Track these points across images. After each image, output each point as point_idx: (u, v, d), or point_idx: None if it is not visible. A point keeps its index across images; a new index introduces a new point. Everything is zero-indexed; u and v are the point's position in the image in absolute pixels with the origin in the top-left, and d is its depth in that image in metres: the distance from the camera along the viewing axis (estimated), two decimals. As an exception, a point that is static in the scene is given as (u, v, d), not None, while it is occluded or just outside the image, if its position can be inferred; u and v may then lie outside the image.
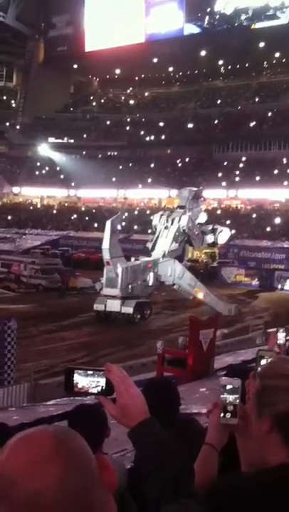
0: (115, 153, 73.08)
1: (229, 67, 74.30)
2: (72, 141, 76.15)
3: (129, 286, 25.41)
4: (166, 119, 72.82)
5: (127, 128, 75.14)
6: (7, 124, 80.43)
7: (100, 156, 73.06)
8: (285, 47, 63.66)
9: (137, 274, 25.95)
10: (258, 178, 59.31)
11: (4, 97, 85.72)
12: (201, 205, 30.11)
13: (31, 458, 0.98)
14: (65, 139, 76.36)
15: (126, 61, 71.17)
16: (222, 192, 59.21)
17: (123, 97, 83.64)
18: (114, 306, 25.44)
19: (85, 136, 76.54)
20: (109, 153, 73.55)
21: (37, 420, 9.30)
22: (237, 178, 60.99)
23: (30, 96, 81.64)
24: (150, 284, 26.53)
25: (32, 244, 51.57)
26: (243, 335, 22.34)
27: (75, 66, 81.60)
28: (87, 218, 62.76)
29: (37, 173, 74.55)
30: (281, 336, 4.46)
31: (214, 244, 30.64)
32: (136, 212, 59.41)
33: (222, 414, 1.60)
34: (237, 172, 62.23)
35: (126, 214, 29.17)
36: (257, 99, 69.92)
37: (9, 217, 65.44)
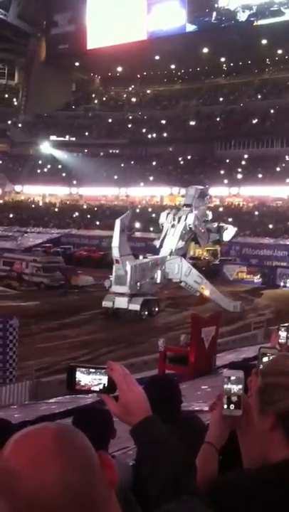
0: (117, 151, 73.04)
1: (231, 65, 74.22)
2: (73, 139, 76.14)
3: (138, 283, 25.87)
4: (168, 116, 72.77)
5: (129, 126, 75.11)
6: (9, 122, 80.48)
7: (101, 154, 73.06)
8: (288, 43, 63.58)
9: (146, 271, 26.41)
10: (260, 176, 59.28)
11: (6, 95, 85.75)
12: (206, 203, 30.59)
13: (34, 454, 0.98)
14: (67, 137, 76.35)
15: (128, 59, 71.13)
16: (224, 189, 59.21)
17: (125, 95, 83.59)
18: (121, 303, 25.93)
19: (86, 134, 76.55)
20: (111, 151, 73.52)
21: (39, 418, 9.32)
22: (239, 176, 60.94)
23: (32, 94, 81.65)
24: (158, 281, 26.98)
25: (34, 243, 51.61)
26: (245, 332, 22.34)
27: (77, 64, 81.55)
28: (88, 216, 62.77)
29: (39, 171, 74.56)
30: (283, 335, 4.43)
31: (219, 241, 31.05)
32: (138, 210, 59.36)
33: (225, 406, 1.60)
34: (239, 169, 62.17)
35: (128, 212, 29.35)
36: (259, 97, 69.83)
37: (11, 216, 65.49)
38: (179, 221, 27.99)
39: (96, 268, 41.09)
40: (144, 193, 67.00)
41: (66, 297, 31.52)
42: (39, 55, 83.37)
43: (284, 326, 3.05)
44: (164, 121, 72.11)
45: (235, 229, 31.25)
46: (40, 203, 72.10)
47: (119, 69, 79.57)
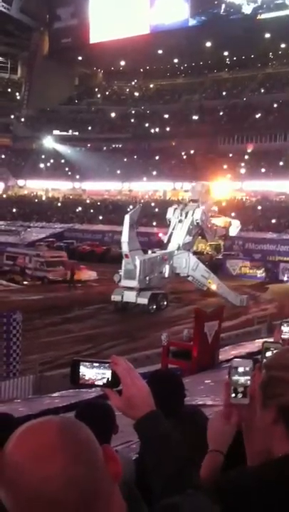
0: (120, 146, 72.92)
1: (234, 59, 73.90)
2: (76, 133, 76.06)
3: (147, 278, 26.28)
4: (171, 111, 72.59)
5: (132, 120, 74.98)
6: (12, 116, 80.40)
7: (104, 148, 72.96)
8: (291, 37, 63.35)
9: (154, 266, 26.81)
10: (263, 170, 59.11)
11: (9, 90, 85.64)
12: (213, 198, 31.06)
13: (38, 447, 0.98)
14: (70, 131, 76.26)
15: (130, 53, 70.91)
16: (227, 184, 59.04)
17: (128, 89, 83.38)
18: (130, 297, 26.31)
19: (89, 128, 76.45)
20: (113, 146, 73.41)
21: (42, 412, 9.34)
22: (242, 170, 60.78)
23: (34, 88, 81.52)
24: (166, 275, 27.34)
25: (37, 237, 51.59)
26: (248, 327, 22.35)
27: (80, 58, 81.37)
28: (92, 211, 62.75)
29: (42, 165, 74.52)
30: (286, 330, 4.42)
31: (225, 236, 31.58)
32: (141, 205, 59.29)
33: (233, 395, 1.60)
34: (242, 164, 62.01)
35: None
36: (262, 91, 69.56)
37: (14, 210, 65.51)
38: (186, 216, 28.32)
39: (99, 263, 41.14)
40: (147, 187, 66.94)
41: (74, 291, 31.60)
42: (42, 49, 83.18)
43: (287, 322, 3.04)
44: (166, 116, 71.95)
45: (238, 221, 31.57)
46: (43, 198, 72.08)
47: (122, 63, 79.35)
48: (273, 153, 59.78)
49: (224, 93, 72.18)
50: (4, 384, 14.47)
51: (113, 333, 21.99)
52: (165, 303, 27.40)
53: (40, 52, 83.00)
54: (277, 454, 1.43)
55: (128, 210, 57.82)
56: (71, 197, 70.42)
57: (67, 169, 72.88)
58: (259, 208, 54.77)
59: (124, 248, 26.35)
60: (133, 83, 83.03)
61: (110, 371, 1.53)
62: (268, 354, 1.99)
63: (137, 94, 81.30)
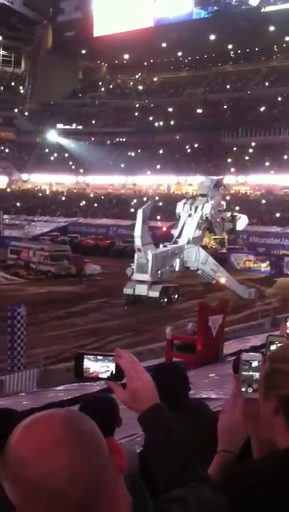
0: (124, 139, 72.85)
1: (239, 52, 73.67)
2: (80, 127, 76.00)
3: (159, 271, 26.73)
4: (175, 104, 72.43)
5: (136, 114, 74.84)
6: (15, 110, 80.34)
7: (108, 142, 72.90)
8: (296, 30, 63.00)
9: (166, 260, 27.30)
10: (267, 164, 58.97)
11: (12, 83, 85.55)
12: (221, 193, 31.60)
13: (42, 440, 0.98)
14: (74, 125, 76.21)
15: (134, 46, 70.72)
16: (231, 178, 58.95)
17: (131, 83, 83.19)
18: (142, 290, 26.76)
19: (93, 122, 76.37)
20: (117, 140, 73.35)
21: (47, 405, 9.36)
22: (246, 164, 60.64)
23: (38, 82, 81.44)
24: (176, 269, 27.77)
25: (41, 231, 51.68)
26: (252, 321, 22.35)
27: (84, 51, 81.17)
28: (95, 205, 62.75)
29: (45, 159, 74.50)
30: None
31: (233, 230, 31.88)
32: (145, 199, 59.26)
33: (244, 389, 1.60)
34: (246, 157, 61.86)
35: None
36: (267, 84, 69.32)
37: (18, 204, 65.57)
38: (195, 211, 28.77)
39: (103, 256, 41.16)
40: (151, 181, 66.90)
41: (78, 284, 31.69)
42: (45, 43, 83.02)
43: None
44: (171, 109, 71.79)
45: (246, 216, 31.97)
46: (47, 192, 72.13)
47: (126, 56, 79.13)
48: (277, 147, 59.62)
49: (228, 86, 71.95)
50: (9, 377, 14.53)
51: (117, 326, 22.02)
52: (176, 296, 27.81)
53: (44, 45, 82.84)
54: (280, 447, 1.44)
55: (132, 204, 58.31)
56: (75, 191, 70.44)
57: (71, 163, 72.86)
58: (263, 201, 54.66)
59: (137, 242, 26.79)
60: (137, 76, 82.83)
61: (114, 364, 1.53)
62: (273, 347, 1.99)
63: (140, 87, 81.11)
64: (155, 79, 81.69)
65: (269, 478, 1.35)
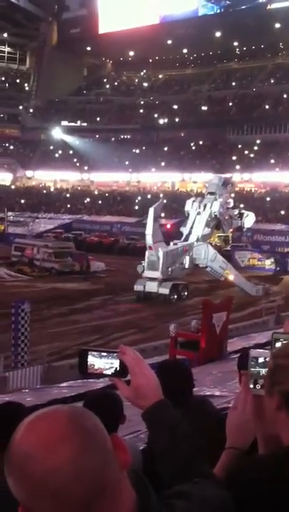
0: (128, 137, 72.82)
1: (244, 49, 73.50)
2: (85, 124, 75.99)
3: (169, 268, 27.12)
4: (179, 101, 72.33)
5: (141, 111, 74.77)
6: (20, 107, 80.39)
7: (113, 139, 72.87)
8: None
9: (176, 257, 27.65)
10: (272, 161, 58.85)
11: (17, 80, 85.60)
12: (229, 191, 32.03)
13: (46, 436, 0.98)
14: (78, 122, 76.21)
15: (139, 43, 70.62)
16: (236, 175, 58.84)
17: (136, 80, 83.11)
18: (152, 287, 27.09)
19: (98, 119, 76.31)
20: (122, 137, 73.31)
21: (50, 402, 9.37)
22: (251, 161, 60.52)
23: (43, 79, 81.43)
24: (186, 266, 28.10)
25: (45, 228, 51.72)
26: (256, 318, 22.33)
27: (89, 48, 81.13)
28: (100, 202, 62.75)
29: (50, 156, 74.52)
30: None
31: (241, 228, 32.16)
32: (149, 196, 59.27)
33: (251, 386, 1.60)
34: (251, 155, 61.73)
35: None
36: (272, 81, 69.15)
37: (22, 201, 65.64)
38: (204, 209, 29.02)
39: (107, 254, 41.18)
40: (155, 178, 66.83)
41: (82, 281, 31.76)
42: (50, 40, 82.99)
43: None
44: (175, 106, 71.70)
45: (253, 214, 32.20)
46: (52, 189, 72.18)
47: (131, 53, 79.02)
48: (282, 144, 59.47)
49: (233, 83, 71.80)
50: (12, 374, 14.55)
51: (121, 323, 22.03)
52: (186, 293, 28.10)
53: (49, 42, 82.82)
54: (285, 443, 1.44)
55: (136, 201, 58.30)
56: (79, 188, 70.45)
57: (75, 160, 72.87)
58: (268, 199, 54.54)
59: (149, 240, 27.13)
60: (142, 73, 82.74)
61: (118, 361, 1.53)
62: (278, 345, 1.98)
63: (145, 84, 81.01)
64: (160, 76, 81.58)
65: (273, 475, 1.35)
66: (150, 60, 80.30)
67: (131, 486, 1.07)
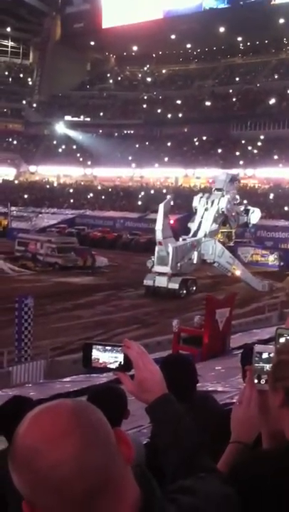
0: (132, 132, 72.68)
1: (248, 44, 73.24)
2: (88, 119, 75.89)
3: (178, 264, 27.51)
4: (183, 96, 72.15)
5: (144, 106, 74.61)
6: (23, 102, 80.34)
7: (116, 134, 72.77)
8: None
9: (185, 253, 28.07)
10: (276, 157, 58.67)
11: (21, 75, 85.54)
12: (236, 187, 32.42)
13: (50, 430, 0.98)
14: (82, 117, 76.10)
15: (143, 38, 70.42)
16: (239, 171, 58.64)
17: (140, 75, 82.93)
18: (161, 282, 27.48)
19: (101, 114, 76.23)
20: (125, 132, 73.20)
21: (54, 396, 9.40)
22: (255, 157, 60.36)
23: (46, 74, 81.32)
24: (194, 262, 28.53)
25: (48, 223, 51.75)
26: (259, 314, 22.34)
27: (92, 43, 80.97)
28: (103, 197, 62.72)
29: (53, 151, 74.47)
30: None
31: (247, 224, 32.47)
32: (152, 192, 59.21)
33: (256, 380, 1.60)
34: (255, 150, 61.57)
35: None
36: (276, 77, 68.87)
37: (26, 196, 65.64)
38: (212, 205, 29.34)
39: (110, 249, 41.19)
40: (158, 174, 66.73)
41: (85, 276, 31.80)
42: (54, 34, 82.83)
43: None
44: (179, 102, 71.52)
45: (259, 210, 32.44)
46: (55, 184, 72.15)
47: (135, 48, 78.84)
48: (286, 140, 59.25)
49: (237, 79, 71.55)
50: (16, 368, 14.60)
51: (124, 319, 22.06)
52: (194, 288, 28.37)
53: (52, 37, 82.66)
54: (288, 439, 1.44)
55: (139, 196, 58.24)
56: (82, 183, 70.40)
57: (78, 155, 72.81)
58: (271, 195, 54.40)
59: (158, 236, 27.55)
60: (145, 68, 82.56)
61: (122, 355, 1.52)
62: (281, 340, 1.98)
63: (149, 79, 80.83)
64: (164, 71, 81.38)
65: (276, 470, 1.35)
66: (154, 55, 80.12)
67: (135, 480, 1.06)
